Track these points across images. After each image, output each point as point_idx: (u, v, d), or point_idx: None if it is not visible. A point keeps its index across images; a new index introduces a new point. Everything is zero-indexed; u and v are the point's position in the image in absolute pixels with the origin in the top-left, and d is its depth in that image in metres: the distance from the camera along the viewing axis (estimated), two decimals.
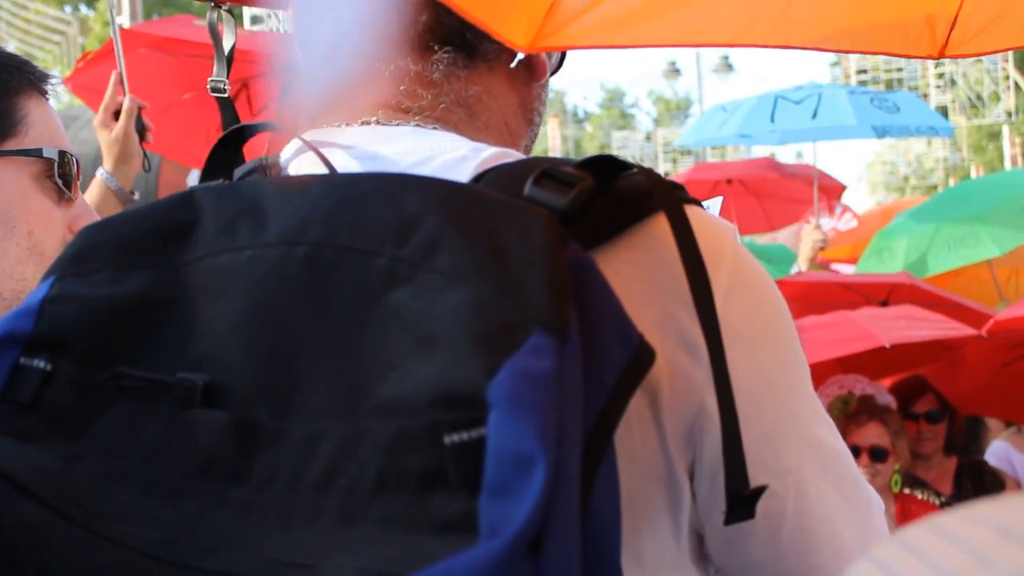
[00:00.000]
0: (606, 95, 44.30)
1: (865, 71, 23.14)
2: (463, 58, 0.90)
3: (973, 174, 22.83)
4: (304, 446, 0.64)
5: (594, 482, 0.64)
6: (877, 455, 3.60)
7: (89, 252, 0.73)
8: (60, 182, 1.29)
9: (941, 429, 4.00)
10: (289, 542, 0.62)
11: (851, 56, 24.06)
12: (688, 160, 27.51)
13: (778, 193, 7.49)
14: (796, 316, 3.60)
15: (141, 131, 2.45)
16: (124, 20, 8.91)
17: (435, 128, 0.88)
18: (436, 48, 0.89)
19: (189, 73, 3.43)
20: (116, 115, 2.45)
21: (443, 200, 0.68)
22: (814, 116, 5.83)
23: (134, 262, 0.72)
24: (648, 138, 31.06)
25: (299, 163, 0.88)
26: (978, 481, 4.01)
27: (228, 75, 1.05)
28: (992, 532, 0.40)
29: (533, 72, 0.97)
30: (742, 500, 0.75)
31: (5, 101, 1.26)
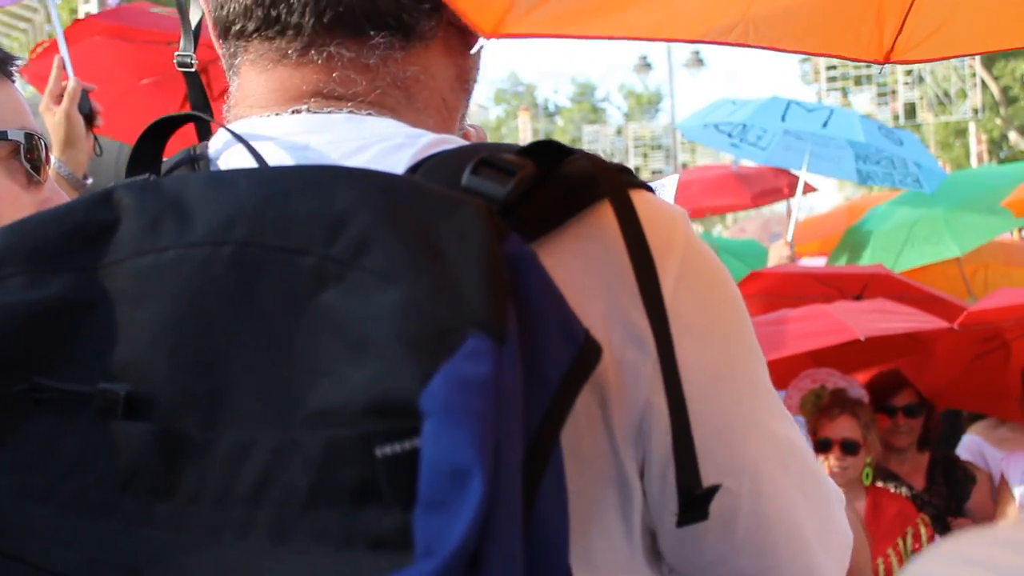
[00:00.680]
0: (577, 89, 44.33)
1: (835, 67, 23.26)
2: (400, 40, 0.85)
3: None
4: (233, 457, 0.61)
5: (539, 485, 0.62)
6: (849, 448, 3.61)
7: (3, 256, 0.69)
8: (28, 165, 1.25)
9: (918, 423, 4.03)
10: (217, 560, 0.59)
11: None
12: (659, 155, 27.57)
13: (753, 184, 7.55)
14: (770, 309, 3.61)
15: (89, 115, 2.39)
16: (92, 7, 8.82)
17: (370, 114, 0.84)
18: (372, 33, 0.84)
19: (147, 59, 3.40)
20: (60, 99, 2.41)
21: (375, 194, 0.65)
22: (824, 125, 5.86)
23: (51, 265, 0.67)
24: (619, 132, 31.07)
25: (228, 156, 0.84)
26: (950, 475, 4.04)
27: (195, 50, 1.00)
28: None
29: (468, 40, 0.93)
30: (694, 500, 0.73)
31: None
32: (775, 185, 7.41)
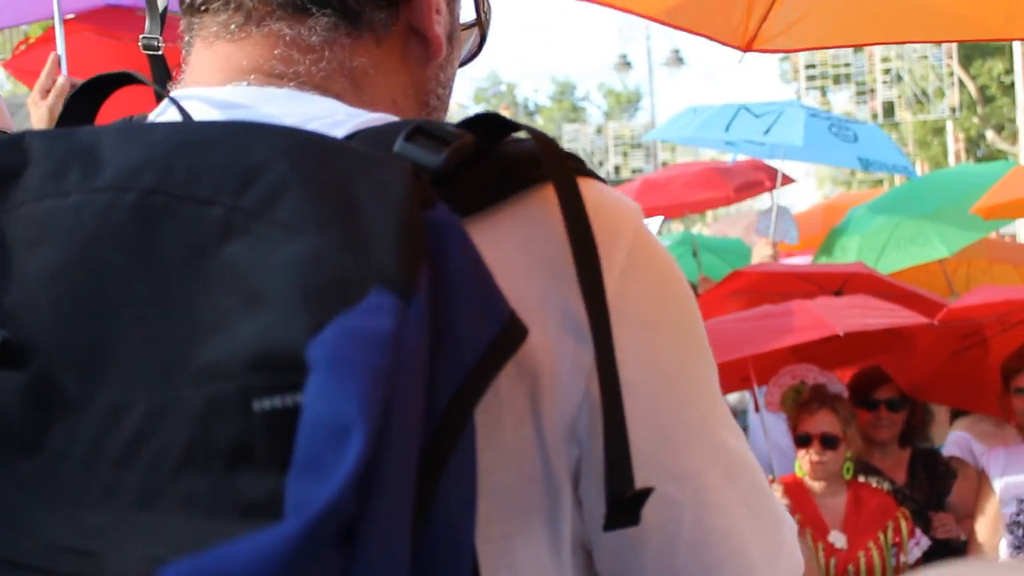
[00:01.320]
0: (557, 88, 44.37)
1: (814, 65, 23.34)
2: (346, 25, 0.81)
3: (918, 168, 23.14)
4: (109, 416, 0.56)
5: (444, 467, 0.58)
6: (828, 442, 3.63)
7: None
8: None
9: (899, 418, 4.05)
10: (77, 524, 0.54)
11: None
12: (639, 153, 27.62)
13: (734, 177, 7.59)
14: (751, 306, 3.62)
15: None
16: None
17: (312, 93, 0.80)
18: (313, 10, 0.80)
19: (133, 55, 3.38)
20: (45, 95, 2.41)
21: (295, 147, 0.61)
22: (767, 132, 5.92)
23: None
24: (599, 131, 31.11)
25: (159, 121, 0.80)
26: (931, 470, 4.07)
27: (162, 32, 0.99)
28: None
29: (428, 50, 0.87)
30: (625, 503, 0.67)
31: None
32: (755, 178, 7.44)
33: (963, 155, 25.63)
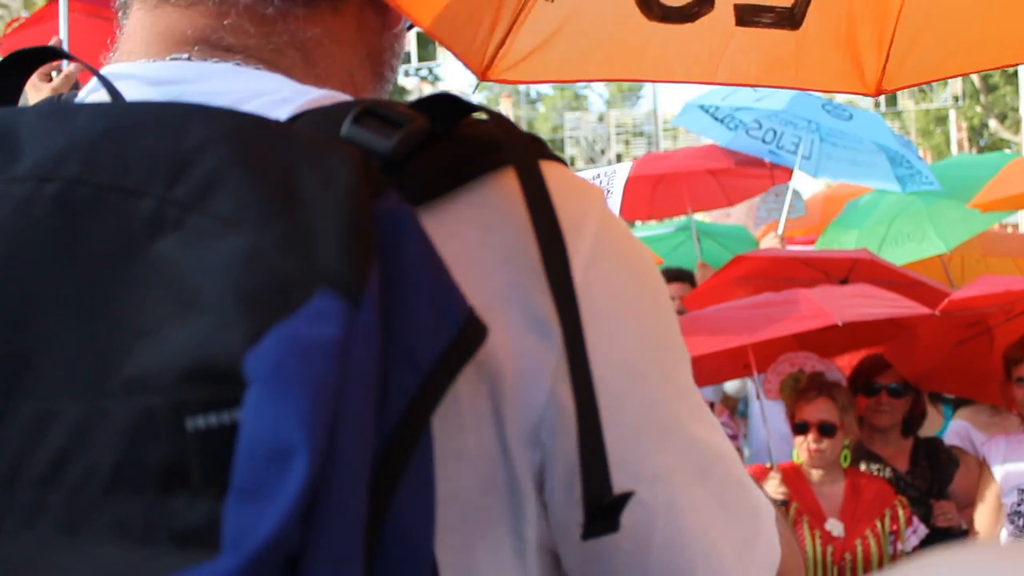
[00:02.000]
0: None
1: None
2: None
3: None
4: (31, 431, 0.51)
5: (399, 479, 0.54)
6: (826, 430, 3.64)
7: None
8: None
9: (901, 405, 4.05)
10: None
11: None
12: (641, 142, 27.58)
13: (732, 170, 7.53)
14: (757, 292, 3.61)
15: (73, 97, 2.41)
16: None
17: (258, 69, 0.74)
18: None
19: (111, 33, 3.38)
20: (49, 78, 2.41)
21: (232, 132, 0.56)
22: (758, 100, 5.87)
23: None
24: (601, 119, 31.06)
25: (92, 100, 0.74)
26: (934, 459, 4.07)
27: None
28: None
29: (386, 19, 0.84)
30: (603, 510, 0.62)
31: None
32: (756, 160, 7.38)
33: (966, 144, 25.58)
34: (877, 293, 3.97)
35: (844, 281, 4.56)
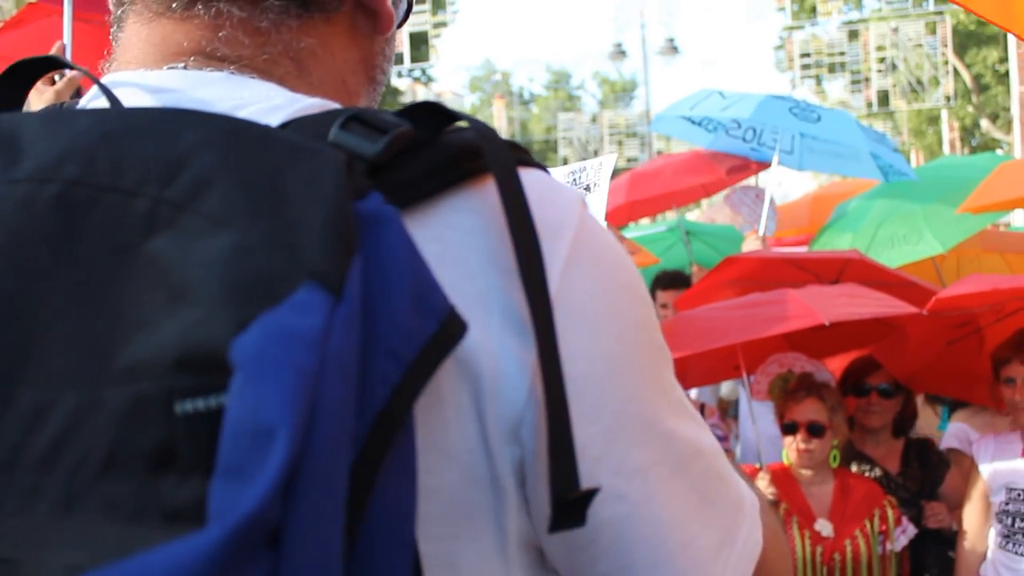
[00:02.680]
0: (552, 77, 44.33)
1: (808, 54, 23.32)
2: (296, 7, 0.79)
3: (913, 158, 23.18)
4: (30, 417, 0.53)
5: (378, 471, 0.56)
6: (814, 430, 3.63)
7: None
8: None
9: (892, 405, 4.05)
10: None
11: (794, 40, 24.28)
12: (634, 142, 27.59)
13: (725, 180, 7.53)
14: (747, 293, 3.59)
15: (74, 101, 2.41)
16: None
17: (252, 77, 0.77)
18: None
19: (105, 37, 3.36)
20: (52, 82, 2.43)
21: (223, 136, 0.59)
22: (724, 109, 5.88)
23: None
24: (594, 120, 31.07)
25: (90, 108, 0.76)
26: (924, 460, 4.07)
27: None
28: None
29: (377, 24, 0.86)
30: (570, 504, 0.65)
31: None
32: (744, 160, 7.37)
33: (958, 144, 25.66)
34: (865, 293, 3.97)
35: (835, 282, 4.55)
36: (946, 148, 25.48)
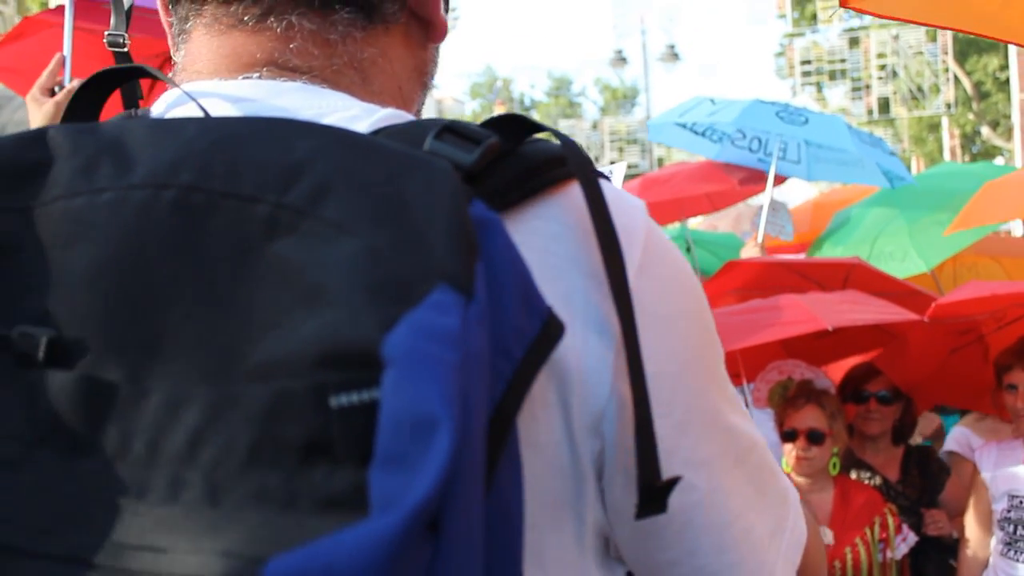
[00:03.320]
0: (553, 83, 44.37)
1: (809, 62, 23.35)
2: (362, 19, 0.82)
3: (914, 165, 23.19)
4: (165, 412, 0.56)
5: (497, 463, 0.58)
6: (814, 438, 3.62)
7: None
8: None
9: (891, 412, 4.03)
10: (143, 521, 0.54)
11: (795, 47, 24.28)
12: (634, 149, 27.62)
13: (735, 191, 7.50)
14: (749, 300, 3.56)
15: None
16: None
17: (323, 88, 0.80)
18: (337, 7, 0.81)
19: (100, 47, 3.37)
20: (51, 93, 2.44)
21: (335, 145, 0.61)
22: (712, 114, 5.86)
23: None
24: (595, 127, 31.11)
25: (173, 115, 0.80)
26: (924, 467, 4.05)
27: (127, 29, 0.97)
28: None
29: (430, 34, 0.90)
30: (654, 493, 0.70)
31: None
32: (755, 173, 7.35)
33: (959, 151, 25.68)
34: (867, 300, 3.95)
35: (839, 290, 4.53)
36: (947, 155, 25.49)
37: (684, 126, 6.26)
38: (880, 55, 22.49)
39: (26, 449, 0.57)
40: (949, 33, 19.76)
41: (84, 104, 0.80)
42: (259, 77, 0.80)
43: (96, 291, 0.59)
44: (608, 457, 0.73)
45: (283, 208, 0.58)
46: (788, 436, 3.68)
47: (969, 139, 26.21)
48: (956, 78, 23.74)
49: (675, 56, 30.15)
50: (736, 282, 4.70)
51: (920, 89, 22.58)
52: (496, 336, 0.59)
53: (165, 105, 0.82)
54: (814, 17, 23.50)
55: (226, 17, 0.81)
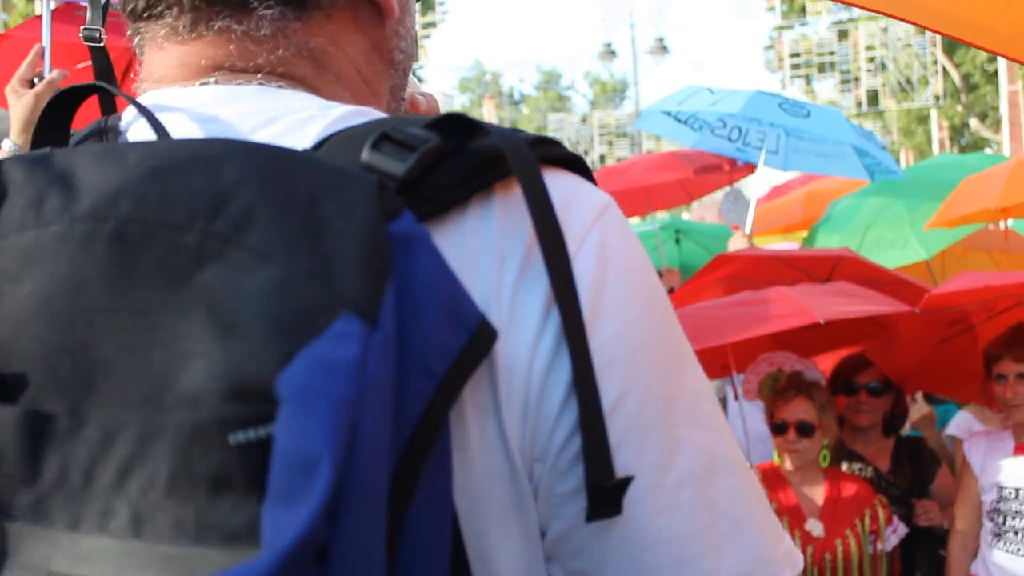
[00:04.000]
0: (542, 77, 44.36)
1: (798, 54, 23.36)
2: (292, 10, 0.82)
3: (903, 157, 23.23)
4: (99, 443, 0.58)
5: (418, 479, 0.60)
6: (804, 430, 3.61)
7: None
8: None
9: (881, 404, 4.04)
10: (76, 550, 0.57)
11: (784, 40, 24.30)
12: (624, 143, 27.62)
13: (692, 180, 7.54)
14: (738, 292, 3.56)
15: None
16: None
17: (280, 86, 0.81)
18: (255, 4, 0.81)
19: (82, 44, 3.39)
20: (31, 84, 2.44)
21: (263, 168, 0.62)
22: (713, 104, 5.85)
23: None
24: (584, 120, 31.10)
25: (136, 128, 0.82)
26: (915, 458, 4.06)
27: (104, 23, 0.96)
28: None
29: (382, 11, 0.87)
30: (605, 492, 0.67)
31: None
32: (716, 163, 7.37)
33: (947, 143, 25.73)
34: (858, 291, 3.95)
35: (827, 280, 4.53)
36: (935, 147, 25.55)
37: (669, 114, 6.25)
38: (869, 48, 22.52)
39: None
40: None
41: (50, 123, 0.82)
42: (216, 82, 0.81)
43: (39, 326, 0.61)
44: (547, 457, 0.70)
45: (210, 236, 0.60)
46: (778, 428, 3.67)
47: (958, 131, 26.27)
48: (945, 70, 23.79)
49: (664, 49, 30.14)
50: (724, 272, 4.70)
51: (909, 81, 22.62)
52: (415, 355, 0.60)
53: (132, 114, 0.83)
54: (803, 10, 23.51)
55: (164, 31, 0.83)
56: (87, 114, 0.85)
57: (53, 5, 3.18)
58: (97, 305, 0.60)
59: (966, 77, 24.55)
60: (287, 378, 0.53)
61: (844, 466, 3.92)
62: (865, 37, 22.59)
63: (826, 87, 27.00)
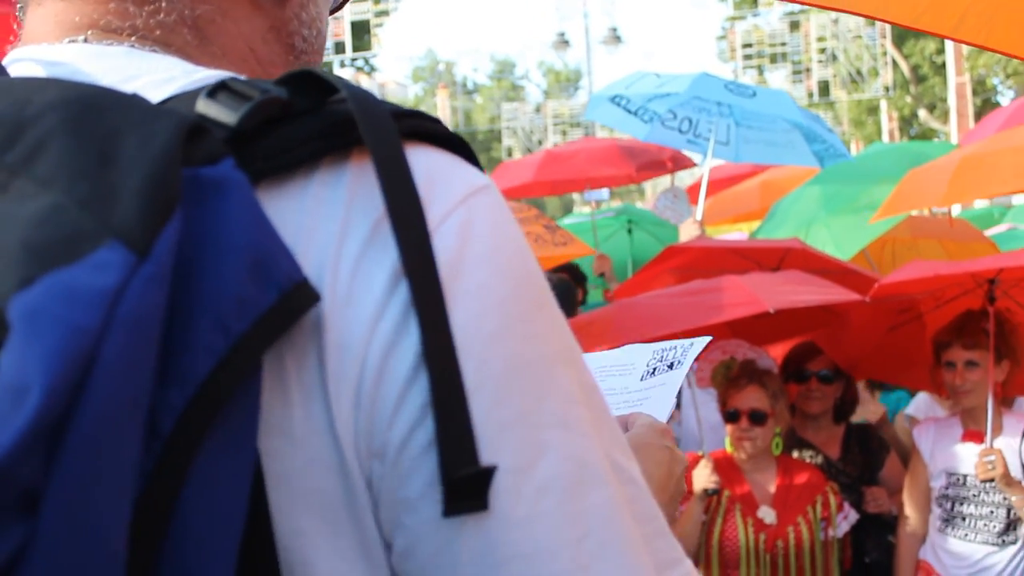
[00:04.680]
0: (496, 67, 44.30)
1: (750, 45, 23.50)
2: None
3: (853, 147, 23.48)
4: None
5: (198, 448, 0.54)
6: (756, 418, 3.62)
7: None
8: None
9: (832, 391, 4.06)
10: None
11: (736, 30, 24.44)
12: (578, 132, 27.63)
13: (634, 176, 7.59)
14: (689, 280, 3.56)
15: None
16: None
17: (154, 51, 0.76)
18: None
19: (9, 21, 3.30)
20: None
21: (72, 100, 0.59)
22: (660, 86, 5.87)
23: None
24: (538, 110, 31.07)
25: None
26: (865, 445, 4.09)
27: None
28: None
29: None
30: (464, 482, 0.60)
31: None
32: (658, 158, 7.43)
33: (897, 133, 26.04)
34: (808, 280, 3.97)
35: (776, 270, 4.57)
36: (885, 137, 25.84)
37: (618, 104, 6.22)
38: (820, 39, 22.70)
39: None
40: None
41: None
42: (85, 41, 0.77)
43: None
44: (391, 447, 0.62)
45: (2, 168, 0.57)
46: (731, 416, 3.68)
47: (907, 122, 26.59)
48: (894, 62, 24.05)
49: (617, 39, 30.19)
50: (675, 263, 4.71)
51: (859, 72, 22.83)
52: (205, 305, 0.56)
53: None
54: (755, 1, 23.66)
55: None
56: None
57: None
58: None
59: (915, 68, 24.84)
60: (20, 302, 0.51)
61: (795, 453, 3.94)
62: (816, 28, 22.77)
63: (778, 77, 27.19)
